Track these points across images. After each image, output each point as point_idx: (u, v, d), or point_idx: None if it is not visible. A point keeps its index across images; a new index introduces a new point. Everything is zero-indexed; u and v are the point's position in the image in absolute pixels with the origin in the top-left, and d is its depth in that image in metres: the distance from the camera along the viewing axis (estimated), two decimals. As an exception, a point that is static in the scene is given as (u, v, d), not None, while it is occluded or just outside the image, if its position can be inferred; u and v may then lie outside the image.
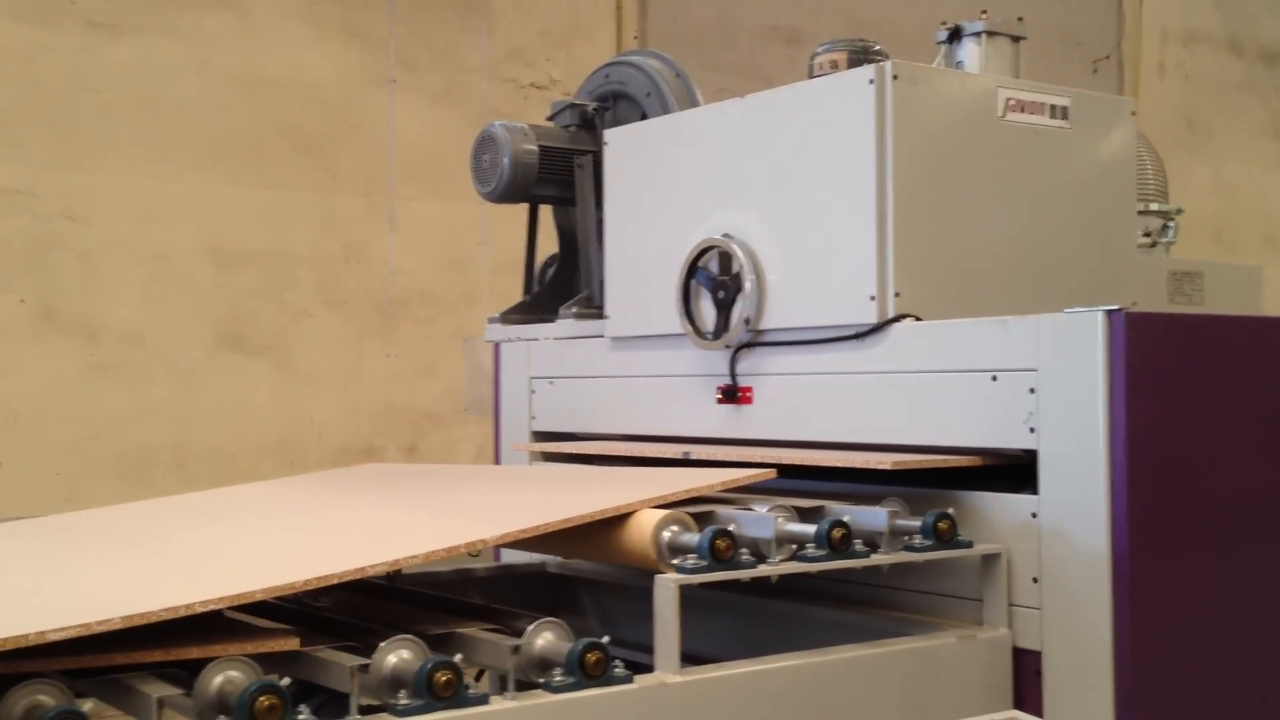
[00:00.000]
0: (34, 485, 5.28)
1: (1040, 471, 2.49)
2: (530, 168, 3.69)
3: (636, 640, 2.57)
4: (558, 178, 3.74)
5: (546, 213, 4.00)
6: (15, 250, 5.32)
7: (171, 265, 5.64)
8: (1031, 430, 2.50)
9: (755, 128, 3.06)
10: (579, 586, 3.30)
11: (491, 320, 3.92)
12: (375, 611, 2.51)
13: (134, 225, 5.56)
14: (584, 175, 3.72)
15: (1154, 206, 4.02)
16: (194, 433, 5.64)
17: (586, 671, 2.03)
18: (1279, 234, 8.96)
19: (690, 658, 2.20)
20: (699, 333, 3.13)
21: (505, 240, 6.09)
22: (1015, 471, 2.57)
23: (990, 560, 2.52)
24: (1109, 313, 2.40)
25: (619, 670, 2.07)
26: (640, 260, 3.36)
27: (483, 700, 1.94)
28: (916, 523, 2.45)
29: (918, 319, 2.76)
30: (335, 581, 2.03)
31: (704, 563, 2.24)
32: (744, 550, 2.29)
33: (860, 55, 3.12)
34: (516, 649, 2.06)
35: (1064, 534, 2.45)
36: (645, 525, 2.34)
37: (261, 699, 1.73)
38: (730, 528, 2.30)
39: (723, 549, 2.25)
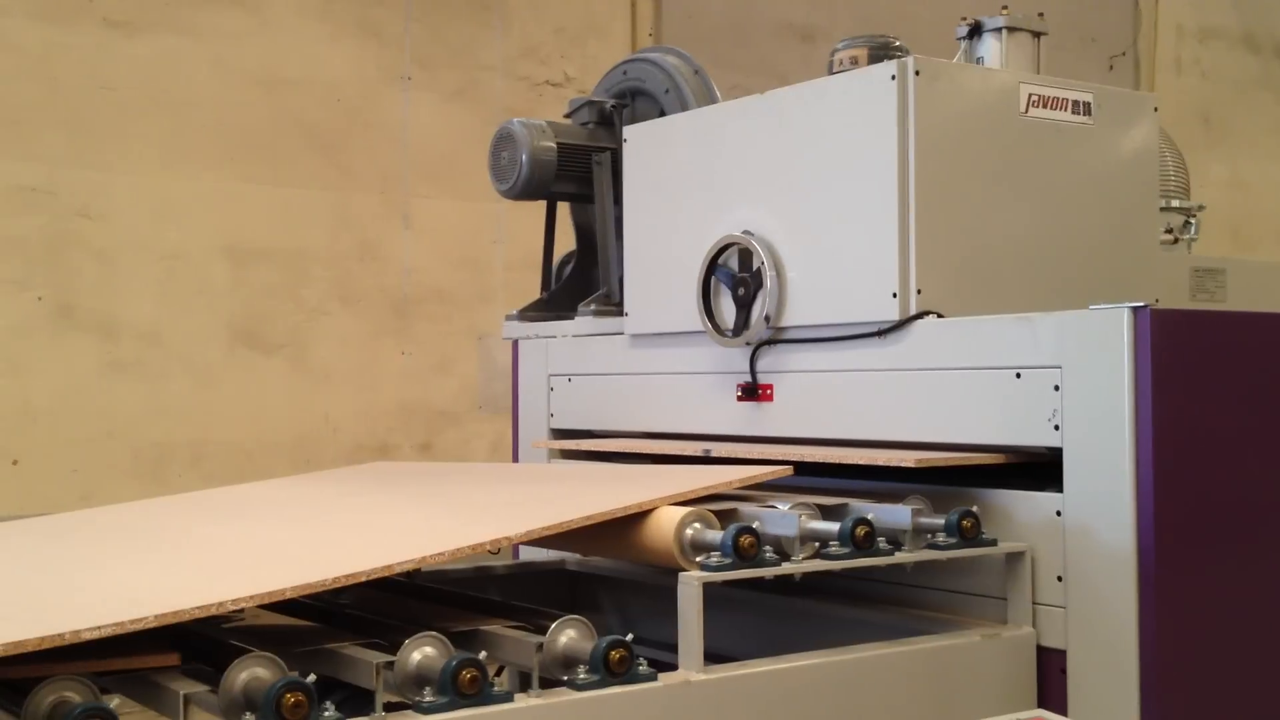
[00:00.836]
0: (51, 482, 5.29)
1: (1065, 469, 2.48)
2: (549, 165, 3.68)
3: (655, 638, 2.56)
4: (576, 175, 3.74)
5: (563, 209, 3.99)
6: (33, 248, 5.33)
7: (188, 263, 5.64)
8: (1056, 428, 2.48)
9: (776, 124, 3.05)
10: (597, 584, 3.30)
11: (509, 318, 3.91)
12: (396, 608, 2.51)
13: (150, 223, 5.56)
14: (602, 172, 3.71)
15: (1175, 203, 4.00)
16: (210, 430, 5.64)
17: (610, 669, 2.03)
18: (1296, 231, 8.93)
19: (712, 655, 2.19)
20: (719, 330, 3.12)
21: (519, 238, 6.09)
22: (1039, 469, 2.56)
23: (1015, 558, 2.51)
24: (1135, 309, 2.38)
25: (643, 668, 2.07)
26: (660, 257, 3.35)
27: (507, 698, 1.93)
28: (940, 521, 2.44)
29: (940, 316, 2.75)
30: (363, 579, 2.02)
31: (727, 560, 2.24)
32: (767, 548, 2.28)
33: (881, 51, 3.10)
34: (540, 646, 2.05)
35: (1089, 532, 2.43)
36: (668, 523, 2.33)
37: (288, 696, 1.73)
38: (754, 525, 2.29)
39: (746, 546, 2.24)
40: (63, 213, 5.39)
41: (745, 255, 3.06)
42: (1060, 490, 2.49)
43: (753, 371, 3.06)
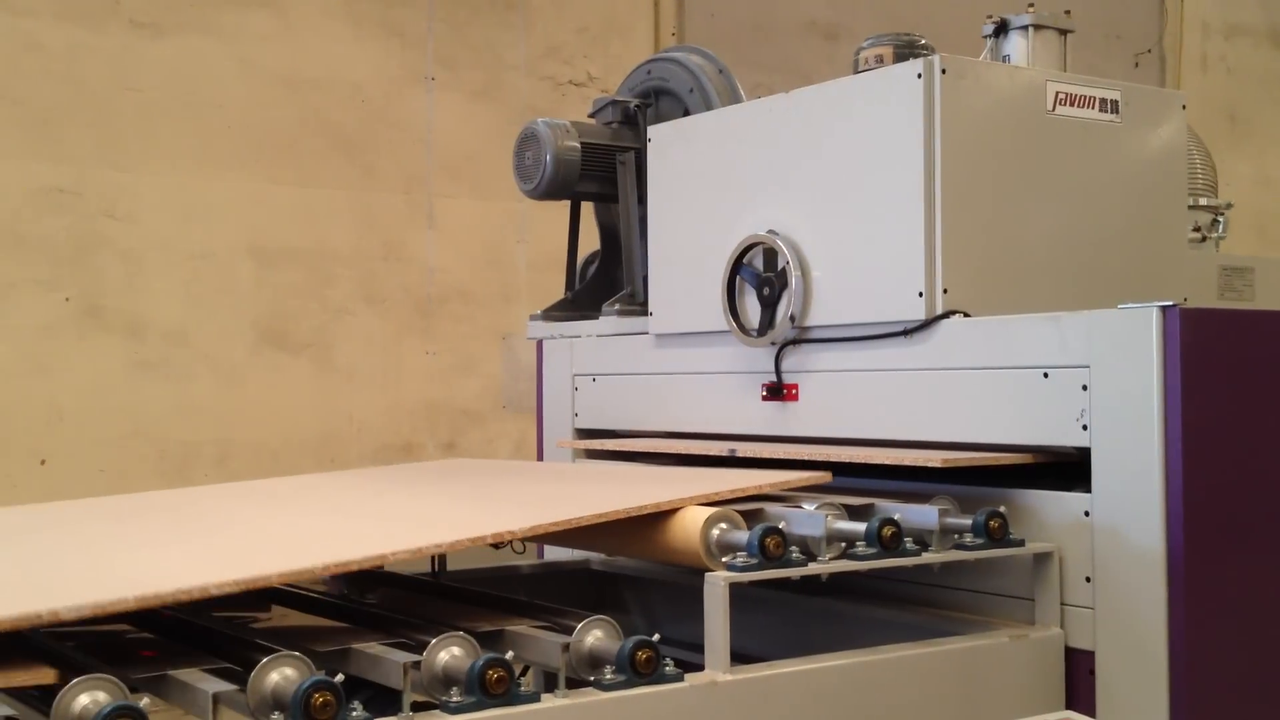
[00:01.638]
0: (78, 482, 5.32)
1: (1093, 469, 2.46)
2: (573, 165, 3.68)
3: (681, 638, 2.56)
4: (600, 174, 3.74)
5: (587, 209, 3.99)
6: (60, 249, 5.36)
7: (213, 263, 5.67)
8: (1084, 427, 2.47)
9: (801, 123, 3.04)
10: (623, 584, 3.30)
11: (533, 317, 3.91)
12: (423, 608, 2.51)
13: (176, 224, 5.59)
14: (626, 172, 3.71)
15: (1203, 201, 3.97)
16: (236, 430, 5.67)
17: (637, 669, 2.03)
18: (1323, 229, 8.86)
19: (738, 656, 2.18)
20: (744, 329, 3.11)
21: (543, 238, 6.10)
22: (1067, 469, 2.55)
23: (1042, 559, 2.50)
24: (1164, 309, 2.37)
25: (670, 669, 2.06)
26: (684, 257, 3.34)
27: (534, 698, 1.93)
28: (968, 521, 2.43)
29: (966, 315, 2.74)
30: (354, 568, 2.01)
31: (754, 560, 2.23)
32: (794, 548, 2.28)
33: (906, 49, 3.09)
34: (567, 647, 2.05)
35: (1117, 532, 2.42)
36: (694, 522, 2.33)
37: (316, 695, 1.73)
38: (780, 525, 2.29)
39: (773, 547, 2.24)
40: (89, 213, 5.42)
41: (770, 255, 3.05)
42: (1089, 490, 2.48)
43: (778, 371, 3.06)
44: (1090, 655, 2.46)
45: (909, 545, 2.37)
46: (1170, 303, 2.38)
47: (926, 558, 2.39)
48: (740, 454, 2.98)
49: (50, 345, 5.32)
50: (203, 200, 5.64)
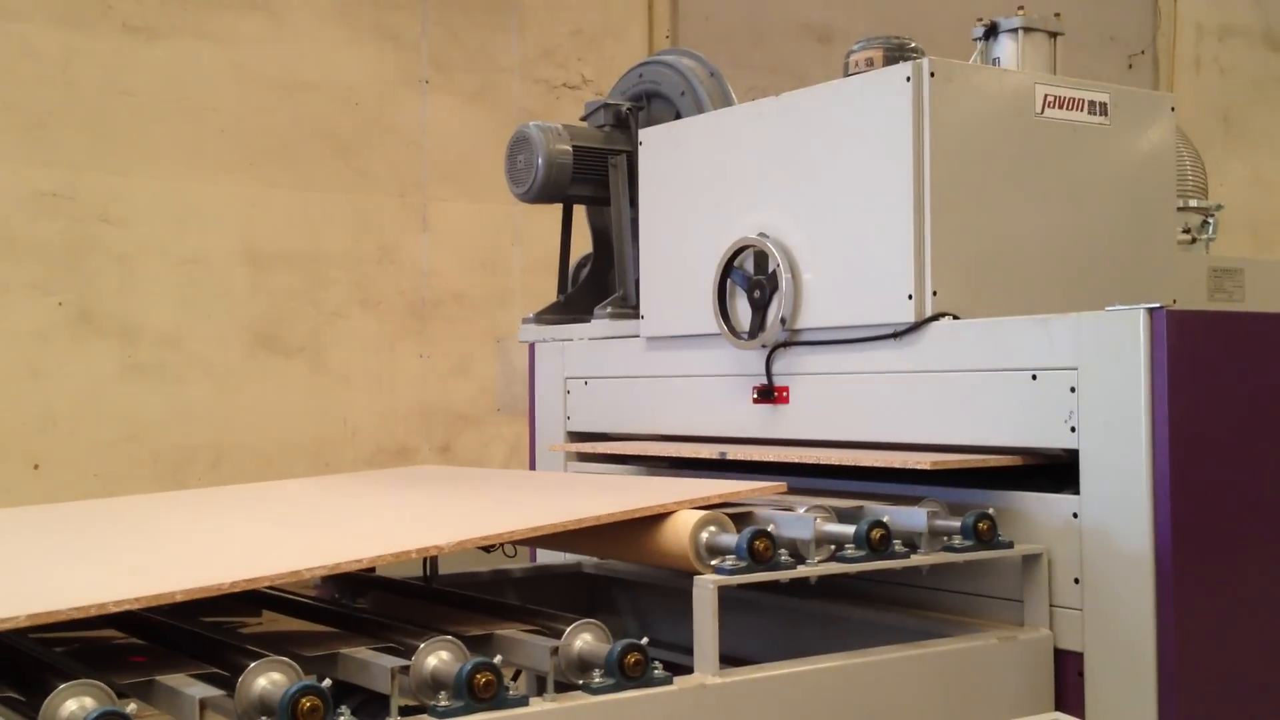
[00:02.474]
0: (72, 486, 5.32)
1: (1082, 471, 2.47)
2: (565, 168, 3.69)
3: (673, 641, 2.57)
4: (592, 178, 3.74)
5: (580, 212, 3.99)
6: (53, 253, 5.36)
7: (207, 267, 5.67)
8: (1072, 429, 2.47)
9: (791, 126, 3.04)
10: (615, 587, 3.30)
11: (526, 321, 3.92)
12: (412, 612, 2.51)
13: (170, 227, 5.59)
14: (618, 175, 3.72)
15: (1193, 203, 3.98)
16: (230, 434, 5.67)
17: (626, 673, 2.03)
18: (1317, 230, 8.87)
19: (729, 659, 2.19)
20: (735, 332, 3.12)
21: (537, 240, 6.10)
22: (1056, 471, 2.55)
23: (1031, 561, 2.50)
24: (1151, 310, 2.37)
25: (658, 672, 2.07)
26: (675, 260, 3.35)
27: (522, 702, 1.93)
28: (956, 523, 2.43)
29: (955, 318, 2.74)
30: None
31: (743, 563, 2.23)
32: (783, 551, 2.28)
33: (896, 52, 3.10)
34: (555, 650, 2.06)
35: (1106, 534, 2.42)
36: (683, 526, 2.33)
37: (303, 700, 1.74)
38: (769, 528, 2.29)
39: (761, 550, 2.24)
40: (83, 217, 5.42)
41: (761, 258, 3.06)
42: (1077, 492, 2.48)
43: (768, 374, 3.06)
44: (1079, 656, 2.46)
45: (898, 547, 2.37)
46: (1158, 304, 2.38)
47: (915, 560, 2.39)
48: (730, 457, 2.99)
49: (44, 349, 5.32)
50: (196, 204, 5.64)
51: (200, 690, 1.84)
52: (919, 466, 2.55)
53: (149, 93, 5.55)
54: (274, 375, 5.79)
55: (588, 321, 3.70)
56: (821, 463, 2.78)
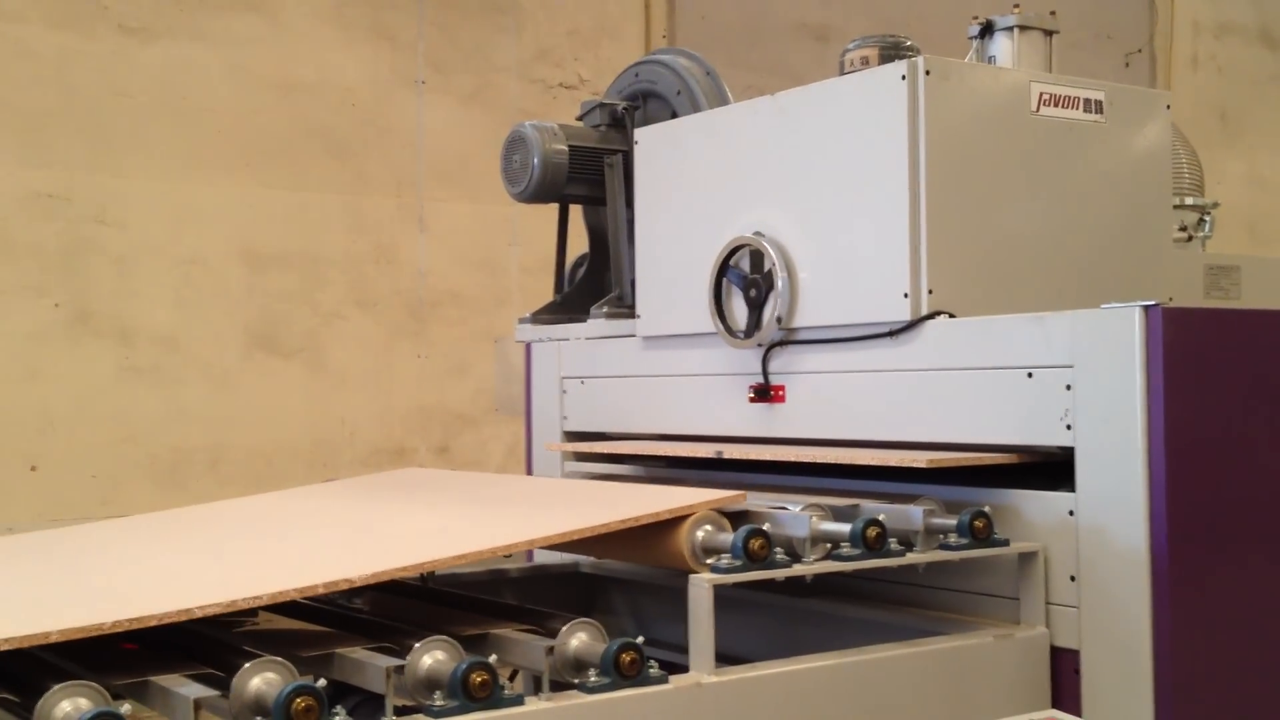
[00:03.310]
0: (69, 488, 5.32)
1: (1077, 468, 2.47)
2: (561, 168, 3.69)
3: (670, 640, 2.57)
4: (588, 177, 3.74)
5: (576, 212, 3.99)
6: (50, 254, 5.36)
7: (204, 268, 5.67)
8: (1068, 427, 2.47)
9: (787, 125, 3.04)
10: (612, 586, 3.30)
11: (522, 320, 3.91)
12: (409, 612, 2.51)
13: (167, 229, 5.59)
14: (614, 175, 3.71)
15: (1189, 201, 3.98)
16: (227, 435, 5.67)
17: (621, 672, 2.03)
18: (1315, 227, 8.88)
19: (725, 657, 2.19)
20: (731, 331, 3.12)
21: (534, 240, 6.10)
22: (1052, 469, 2.55)
23: (1027, 558, 2.50)
24: (1146, 308, 2.37)
25: (654, 671, 2.07)
26: (671, 259, 3.35)
27: (518, 701, 1.93)
28: (952, 521, 2.43)
29: (951, 316, 2.74)
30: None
31: (738, 562, 2.23)
32: (778, 549, 2.28)
33: (892, 51, 3.10)
34: (551, 650, 2.05)
35: (1102, 531, 2.42)
36: (678, 525, 2.33)
37: (298, 700, 1.74)
38: (765, 527, 2.29)
39: (757, 548, 2.24)
40: (79, 219, 5.42)
41: (756, 256, 3.06)
42: (1073, 490, 2.48)
43: (765, 373, 3.06)
44: (1075, 654, 2.46)
45: (894, 546, 2.37)
46: (1153, 302, 2.38)
47: (911, 558, 2.39)
48: (727, 456, 2.99)
49: (41, 351, 5.32)
50: (193, 205, 5.64)
51: (195, 690, 1.84)
52: (915, 465, 2.55)
53: (145, 94, 5.55)
54: (271, 376, 5.79)
55: (584, 321, 3.70)
56: (817, 461, 2.78)
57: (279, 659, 1.83)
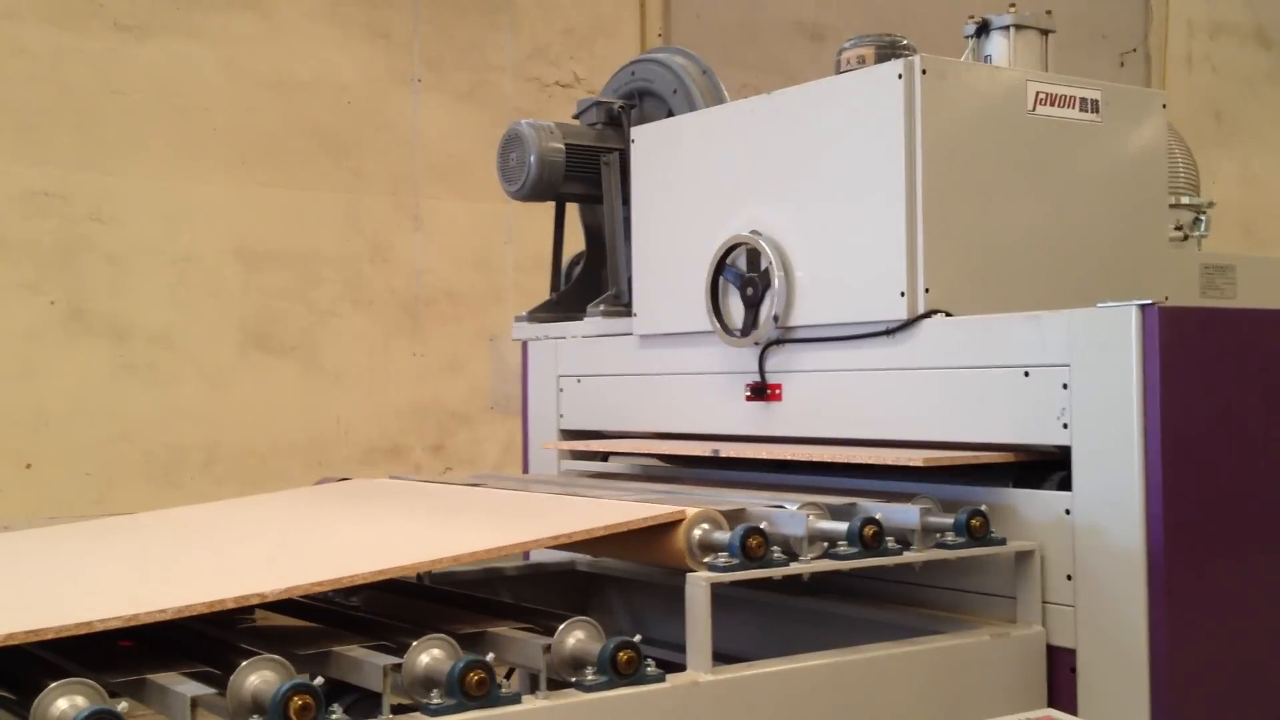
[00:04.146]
0: (64, 485, 5.32)
1: (1074, 467, 2.47)
2: (557, 166, 3.68)
3: (666, 639, 2.57)
4: (584, 176, 3.74)
5: (573, 210, 3.99)
6: (45, 252, 5.35)
7: (199, 266, 5.66)
8: (1064, 426, 2.48)
9: (783, 124, 3.04)
10: (609, 585, 3.30)
11: (518, 319, 3.91)
12: (406, 610, 2.51)
13: (162, 226, 5.59)
14: (611, 173, 3.71)
15: (1185, 200, 3.98)
16: (223, 433, 5.66)
17: (618, 670, 2.03)
18: (1309, 227, 8.89)
19: (722, 656, 2.19)
20: (727, 330, 3.12)
21: (530, 239, 6.10)
22: (1048, 467, 2.55)
23: (1024, 557, 2.50)
24: (1142, 307, 2.38)
25: (651, 669, 2.07)
26: (668, 258, 3.35)
27: (515, 699, 1.93)
28: (949, 520, 2.43)
29: (948, 314, 2.74)
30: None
31: (735, 560, 2.23)
32: (775, 548, 2.28)
33: (888, 50, 3.10)
34: (548, 648, 2.06)
35: (1098, 530, 2.43)
36: (676, 524, 2.33)
37: (295, 698, 1.74)
38: (762, 525, 2.29)
39: (754, 547, 2.24)
40: (74, 217, 5.41)
41: (753, 255, 3.06)
42: (1069, 489, 2.48)
43: (761, 371, 3.06)
44: (1072, 653, 2.46)
45: (891, 544, 2.37)
46: (1149, 301, 2.38)
47: (908, 557, 2.39)
48: (723, 454, 2.99)
49: (35, 349, 5.32)
50: (188, 203, 5.63)
51: (192, 688, 1.84)
52: (912, 463, 2.55)
53: (140, 92, 5.55)
54: (266, 374, 5.79)
55: (580, 319, 3.70)
56: (814, 459, 2.78)
57: (276, 657, 1.83)
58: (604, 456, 3.54)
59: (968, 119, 2.85)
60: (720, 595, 2.19)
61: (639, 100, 3.81)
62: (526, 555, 3.56)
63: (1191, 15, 8.66)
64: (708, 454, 3.02)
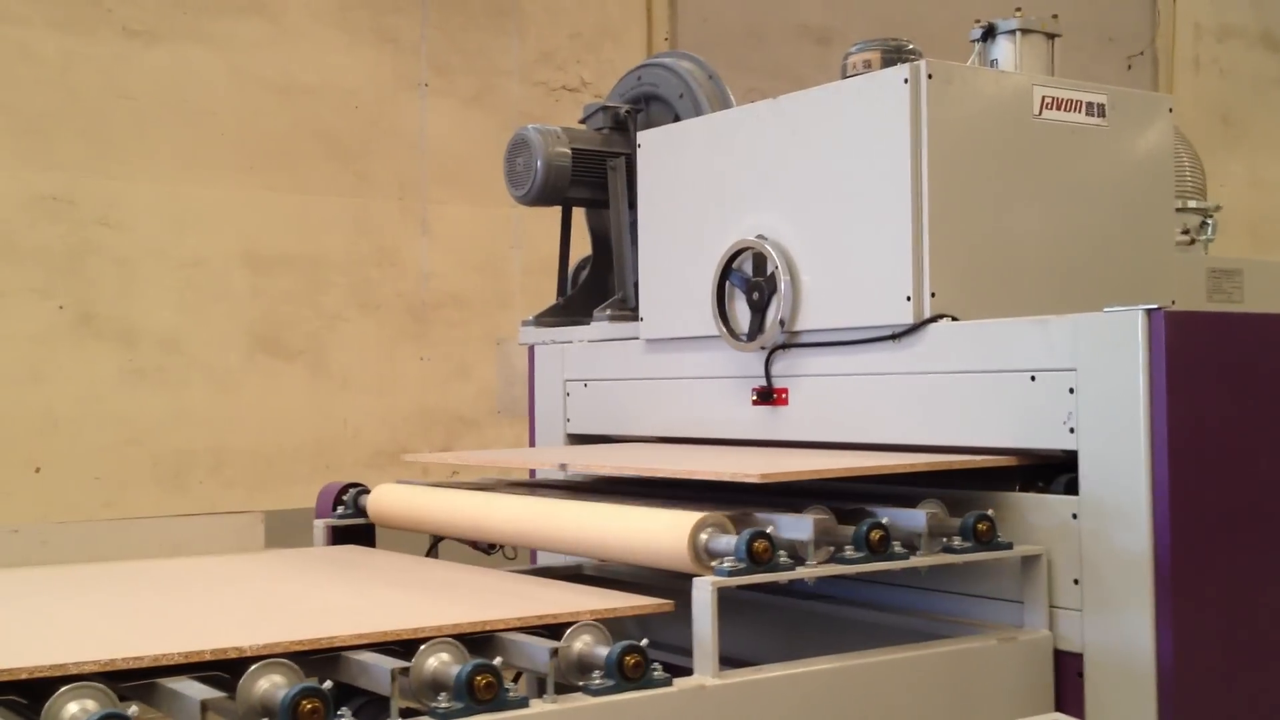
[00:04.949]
0: (73, 490, 5.33)
1: (1081, 472, 2.47)
2: (564, 170, 3.69)
3: (672, 643, 2.57)
4: (591, 180, 3.75)
5: (579, 215, 4.00)
6: (53, 257, 5.37)
7: (207, 270, 5.68)
8: (1071, 430, 2.48)
9: (789, 128, 3.05)
10: (615, 588, 3.29)
11: (525, 323, 3.92)
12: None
13: (170, 231, 5.60)
14: (617, 177, 3.72)
15: (1192, 204, 3.98)
16: (230, 437, 5.67)
17: (625, 674, 2.03)
18: (1317, 230, 8.88)
19: (728, 660, 2.19)
20: (734, 334, 3.12)
21: (536, 243, 6.11)
22: (1054, 472, 2.55)
23: (1030, 562, 2.50)
24: (1149, 312, 2.38)
25: (658, 673, 2.07)
26: (674, 262, 3.35)
27: (523, 703, 1.94)
28: (955, 524, 2.44)
29: (954, 319, 2.75)
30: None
31: (742, 565, 2.23)
32: (782, 552, 2.28)
33: (894, 54, 3.10)
34: (555, 652, 2.06)
35: (1105, 535, 2.43)
36: (682, 528, 2.34)
37: (304, 702, 1.74)
38: (768, 530, 2.29)
39: (760, 551, 2.24)
40: (83, 221, 5.43)
41: (759, 260, 3.06)
42: (1076, 493, 2.48)
43: (767, 375, 3.06)
44: (1079, 657, 2.46)
45: (897, 549, 2.37)
46: (1156, 305, 2.38)
47: (914, 561, 2.39)
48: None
49: (44, 353, 5.33)
50: (196, 207, 5.65)
51: (202, 692, 1.84)
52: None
53: (148, 96, 5.56)
54: (274, 378, 5.80)
55: (587, 324, 3.71)
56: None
57: (285, 661, 1.84)
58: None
59: (974, 123, 2.85)
60: (727, 599, 2.20)
61: (645, 105, 3.82)
62: (534, 558, 3.57)
63: (1199, 18, 8.65)
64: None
